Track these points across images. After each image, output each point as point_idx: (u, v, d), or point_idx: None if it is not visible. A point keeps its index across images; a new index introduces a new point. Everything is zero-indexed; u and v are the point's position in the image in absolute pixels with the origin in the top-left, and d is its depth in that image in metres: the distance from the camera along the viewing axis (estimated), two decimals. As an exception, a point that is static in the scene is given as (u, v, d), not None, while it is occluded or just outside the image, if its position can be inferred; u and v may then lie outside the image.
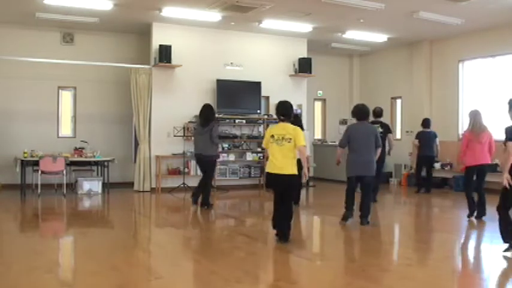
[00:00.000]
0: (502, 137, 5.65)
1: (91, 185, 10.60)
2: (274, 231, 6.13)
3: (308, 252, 5.97)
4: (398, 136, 13.33)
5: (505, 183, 5.33)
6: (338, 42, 12.82)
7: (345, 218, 7.34)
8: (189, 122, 11.17)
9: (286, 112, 6.06)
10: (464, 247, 6.56)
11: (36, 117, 11.16)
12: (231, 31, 11.71)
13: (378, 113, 9.79)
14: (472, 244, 6.81)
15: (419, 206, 9.98)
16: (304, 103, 12.69)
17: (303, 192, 10.34)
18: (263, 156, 11.52)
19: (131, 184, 11.22)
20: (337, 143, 9.13)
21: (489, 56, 11.39)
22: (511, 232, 5.51)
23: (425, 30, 11.47)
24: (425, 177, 11.27)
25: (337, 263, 5.52)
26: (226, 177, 11.59)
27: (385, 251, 6.23)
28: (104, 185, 10.67)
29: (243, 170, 11.85)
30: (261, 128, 11.97)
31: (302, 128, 7.72)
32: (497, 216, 5.64)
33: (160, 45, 10.84)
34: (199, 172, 9.74)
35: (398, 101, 13.71)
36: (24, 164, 10.06)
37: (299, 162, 6.20)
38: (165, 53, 10.83)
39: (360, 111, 7.49)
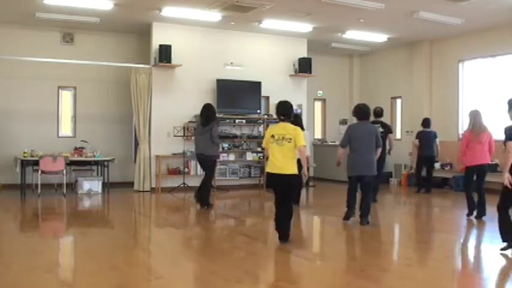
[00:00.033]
0: (502, 137, 5.66)
1: (91, 184, 10.60)
2: (277, 232, 6.11)
3: (308, 252, 5.96)
4: (398, 136, 13.32)
5: (506, 182, 5.34)
6: (338, 42, 12.81)
7: (347, 216, 7.38)
8: (189, 121, 11.17)
9: (286, 112, 6.05)
10: (464, 247, 6.56)
11: (36, 117, 11.15)
12: (231, 31, 11.71)
13: (379, 113, 9.79)
14: (472, 244, 6.82)
15: (419, 206, 9.98)
16: (304, 103, 12.69)
17: (303, 192, 10.33)
18: (263, 156, 11.51)
19: (131, 184, 11.22)
20: (337, 143, 9.15)
21: (489, 56, 11.39)
22: (510, 231, 5.52)
23: (425, 30, 11.47)
24: (425, 177, 11.26)
25: (337, 263, 5.52)
26: (226, 177, 11.58)
27: (385, 251, 6.23)
28: (104, 185, 10.68)
29: (243, 170, 11.85)
30: (261, 128, 11.96)
31: (302, 128, 7.71)
32: (497, 216, 5.65)
33: (160, 45, 10.84)
34: (199, 172, 9.73)
35: (399, 101, 13.70)
36: (24, 163, 10.07)
37: (299, 162, 6.19)
38: (165, 52, 10.83)
39: (360, 111, 7.50)
